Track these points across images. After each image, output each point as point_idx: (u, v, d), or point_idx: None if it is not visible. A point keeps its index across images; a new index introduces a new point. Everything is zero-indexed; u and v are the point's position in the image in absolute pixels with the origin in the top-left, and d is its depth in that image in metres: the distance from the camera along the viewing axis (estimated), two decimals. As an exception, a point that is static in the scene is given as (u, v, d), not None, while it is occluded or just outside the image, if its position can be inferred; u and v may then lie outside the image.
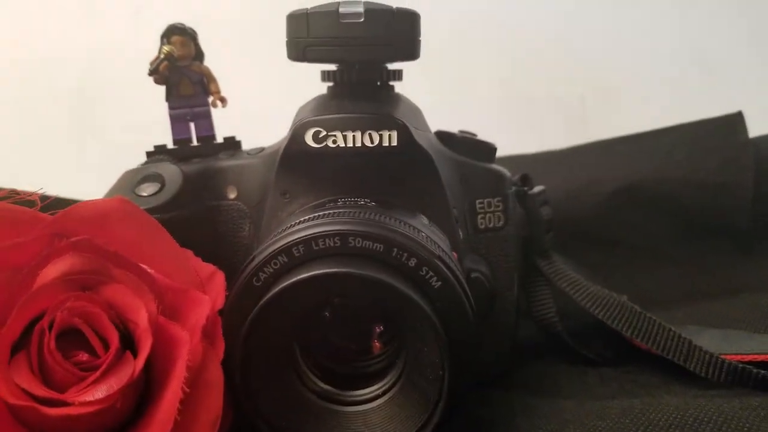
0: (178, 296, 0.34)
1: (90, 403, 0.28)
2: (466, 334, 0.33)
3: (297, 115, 0.42)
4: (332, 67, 0.41)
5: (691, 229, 0.60)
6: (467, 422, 0.38)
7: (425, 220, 0.38)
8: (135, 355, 0.30)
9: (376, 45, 0.37)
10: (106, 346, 0.30)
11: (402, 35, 0.37)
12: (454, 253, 0.38)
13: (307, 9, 0.37)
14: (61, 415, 0.27)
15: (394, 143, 0.37)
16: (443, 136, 0.45)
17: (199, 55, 0.46)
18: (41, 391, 0.28)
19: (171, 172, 0.42)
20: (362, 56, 0.37)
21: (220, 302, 0.34)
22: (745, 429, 0.31)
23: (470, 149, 0.45)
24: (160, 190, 0.41)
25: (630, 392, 0.41)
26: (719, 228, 0.59)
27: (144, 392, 0.32)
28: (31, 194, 0.35)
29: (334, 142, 0.37)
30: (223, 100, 0.46)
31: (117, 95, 0.81)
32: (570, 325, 0.48)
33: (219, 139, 0.46)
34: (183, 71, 0.45)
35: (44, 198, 0.35)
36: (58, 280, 0.31)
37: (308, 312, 0.34)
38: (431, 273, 0.32)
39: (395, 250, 0.32)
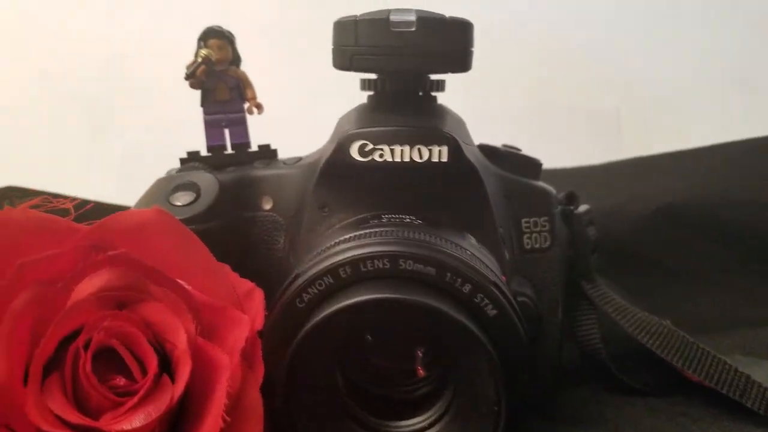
0: (215, 314, 0.32)
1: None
2: (520, 365, 0.31)
3: (339, 126, 0.40)
4: (373, 75, 0.39)
5: (734, 250, 0.58)
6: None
7: (473, 241, 0.36)
8: (172, 377, 0.29)
9: (428, 55, 0.35)
10: (143, 368, 0.28)
11: (455, 45, 0.35)
12: (503, 276, 0.36)
13: (356, 16, 0.35)
14: (95, 444, 0.26)
15: (444, 159, 0.35)
16: (487, 151, 0.43)
17: (236, 60, 0.44)
18: (75, 418, 0.26)
19: (206, 181, 0.40)
20: (413, 67, 0.35)
21: (259, 322, 0.33)
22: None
23: (515, 165, 0.43)
24: (196, 199, 0.39)
25: (681, 425, 0.39)
26: (763, 250, 0.57)
27: (178, 416, 0.30)
28: (65, 201, 0.33)
29: (381, 156, 0.35)
30: (259, 107, 0.44)
31: (138, 95, 0.80)
32: (614, 351, 0.46)
33: (254, 147, 0.45)
34: (219, 76, 0.43)
35: (79, 206, 0.33)
36: (93, 296, 0.29)
37: (352, 336, 0.32)
38: (486, 300, 0.31)
39: (449, 274, 0.31)
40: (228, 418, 0.27)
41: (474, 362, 0.30)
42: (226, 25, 0.44)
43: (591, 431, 0.39)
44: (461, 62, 0.36)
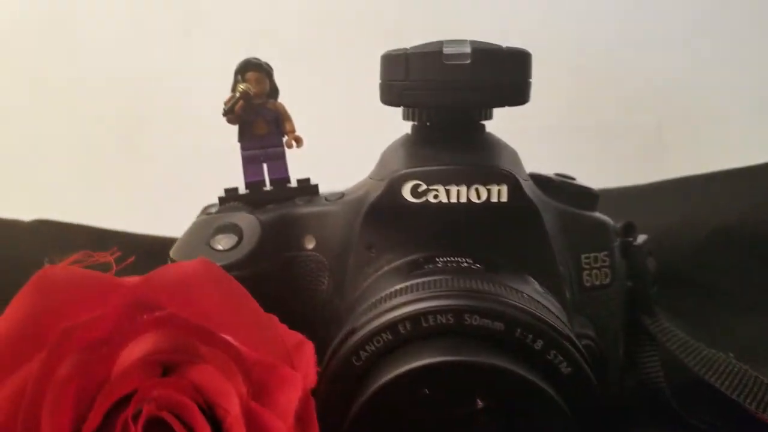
0: (266, 373, 0.30)
1: None
2: (592, 420, 0.29)
3: (384, 161, 0.38)
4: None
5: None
6: None
7: (537, 285, 0.34)
8: (225, 447, 0.27)
9: (484, 89, 0.33)
10: (195, 439, 0.27)
11: (513, 78, 0.33)
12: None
13: (406, 49, 0.33)
14: None
15: (504, 199, 0.33)
16: (540, 182, 0.41)
17: (274, 92, 0.42)
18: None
19: (248, 222, 0.38)
20: (468, 102, 0.33)
21: (311, 379, 0.31)
22: None
23: (571, 196, 0.40)
24: (238, 243, 0.37)
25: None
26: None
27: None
28: (105, 255, 0.31)
29: (436, 197, 0.33)
30: (298, 140, 0.42)
31: (169, 119, 0.79)
32: (676, 388, 0.44)
33: (293, 182, 0.43)
34: (257, 110, 0.41)
35: (120, 260, 0.32)
36: (141, 362, 0.27)
37: (413, 396, 0.30)
38: (560, 357, 0.28)
39: (519, 329, 0.28)
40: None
41: (546, 422, 0.28)
42: (259, 51, 0.42)
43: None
44: (519, 95, 0.33)
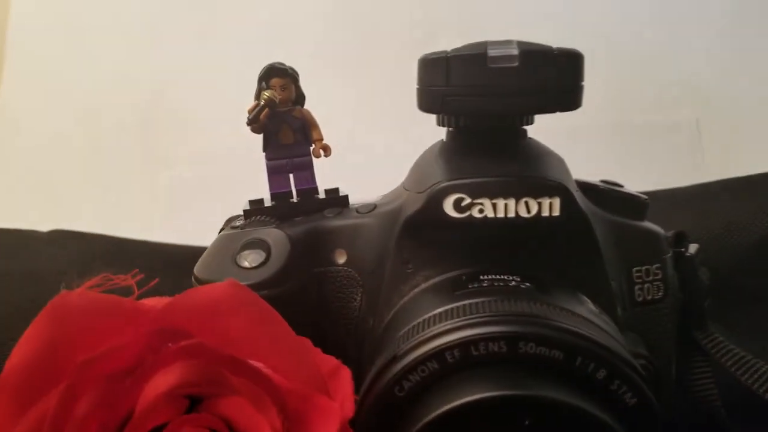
0: (301, 403, 0.28)
1: None
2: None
3: (420, 171, 0.36)
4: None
5: None
6: None
7: (591, 305, 0.31)
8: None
9: (533, 95, 0.30)
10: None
11: (564, 82, 0.30)
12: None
13: (446, 52, 0.30)
14: None
15: (556, 212, 0.31)
16: (586, 190, 0.38)
17: (300, 98, 0.40)
18: None
19: (276, 237, 0.36)
20: (515, 108, 0.30)
21: (348, 408, 0.28)
22: None
23: (620, 205, 0.38)
24: (266, 260, 0.35)
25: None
26: None
27: None
28: (126, 278, 0.29)
29: (481, 211, 0.31)
30: (326, 149, 0.40)
31: (185, 125, 0.77)
32: (730, 407, 0.41)
33: (321, 193, 0.41)
34: (283, 117, 0.39)
35: (142, 283, 0.29)
36: (167, 396, 0.25)
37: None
38: (625, 387, 0.26)
39: (579, 358, 0.26)
40: None
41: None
42: (280, 53, 0.40)
43: None
44: (572, 100, 0.31)
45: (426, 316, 0.29)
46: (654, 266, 0.37)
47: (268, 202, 0.40)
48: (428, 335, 0.27)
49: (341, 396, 0.29)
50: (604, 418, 0.25)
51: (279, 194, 0.40)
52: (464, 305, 0.28)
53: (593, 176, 0.39)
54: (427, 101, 0.31)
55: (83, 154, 0.74)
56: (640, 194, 0.39)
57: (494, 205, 0.31)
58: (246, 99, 0.39)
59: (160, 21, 0.76)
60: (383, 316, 0.35)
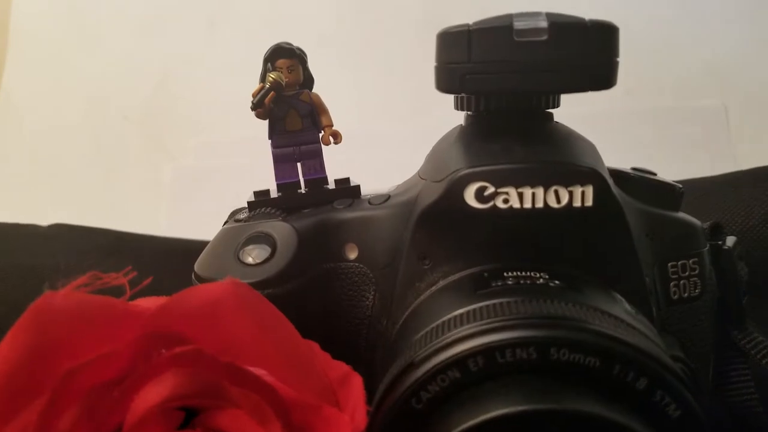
0: (307, 415, 0.25)
1: None
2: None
3: (437, 157, 0.33)
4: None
5: None
6: None
7: (627, 306, 0.28)
8: None
9: (564, 71, 0.27)
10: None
11: (599, 57, 0.27)
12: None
13: (468, 25, 0.27)
14: None
15: (589, 202, 0.28)
16: (617, 177, 0.35)
17: (309, 81, 0.37)
18: None
19: (282, 231, 0.33)
20: (544, 86, 0.28)
21: (360, 421, 0.26)
22: None
23: (653, 194, 0.35)
24: (271, 255, 0.32)
25: None
26: None
27: None
28: (118, 276, 0.26)
29: (506, 201, 0.28)
30: (336, 136, 0.37)
31: (189, 116, 0.74)
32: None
33: (330, 183, 0.38)
34: (290, 102, 0.36)
35: (135, 281, 0.27)
36: (159, 408, 0.22)
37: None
38: (668, 398, 0.23)
39: (617, 366, 0.23)
40: None
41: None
42: (289, 37, 0.37)
43: None
44: (606, 78, 0.28)
45: (445, 318, 0.26)
46: (691, 261, 0.34)
47: (274, 193, 0.37)
48: (448, 340, 0.24)
49: (352, 407, 0.26)
50: (648, 434, 0.22)
51: (286, 184, 0.37)
52: (488, 306, 0.25)
53: (615, 165, 0.36)
54: (446, 80, 0.29)
55: (85, 144, 0.72)
56: (675, 183, 0.36)
57: (520, 195, 0.28)
58: (253, 86, 0.36)
59: (164, 7, 0.74)
60: (397, 317, 0.32)
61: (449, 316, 0.26)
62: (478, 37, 0.27)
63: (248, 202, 0.36)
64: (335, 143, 0.37)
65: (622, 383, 0.23)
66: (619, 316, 0.26)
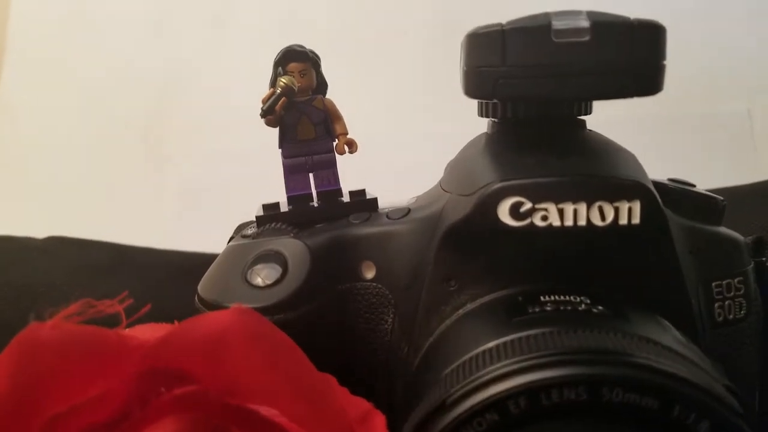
0: (325, 459, 0.23)
1: None
2: None
3: (464, 169, 0.31)
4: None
5: None
6: None
7: (676, 332, 0.26)
8: None
9: (608, 75, 0.24)
10: None
11: (646, 60, 0.25)
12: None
13: (501, 25, 0.25)
14: None
15: (636, 220, 0.25)
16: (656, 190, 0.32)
17: (322, 87, 0.35)
18: None
19: (294, 249, 0.31)
20: (587, 91, 0.25)
21: (384, 464, 0.23)
22: None
23: (693, 208, 0.32)
24: (282, 276, 0.30)
25: None
26: None
27: None
28: (112, 304, 0.24)
29: (545, 218, 0.25)
30: (351, 145, 0.35)
31: (194, 122, 0.72)
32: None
33: (345, 195, 0.35)
34: (302, 108, 0.34)
35: (131, 309, 0.24)
36: (157, 458, 0.20)
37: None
38: (732, 443, 0.20)
39: (678, 407, 0.20)
40: None
41: None
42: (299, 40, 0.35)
43: None
44: (653, 82, 0.25)
45: (479, 350, 0.23)
46: (736, 280, 0.32)
47: (284, 207, 0.35)
48: (485, 378, 0.21)
49: (374, 447, 0.24)
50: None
51: (297, 197, 0.35)
52: (527, 337, 0.23)
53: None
54: (477, 85, 0.26)
55: (84, 152, 0.70)
56: (715, 195, 0.33)
57: (561, 211, 0.25)
58: (261, 91, 0.33)
59: (168, 7, 0.71)
60: (420, 343, 0.29)
61: (483, 347, 0.23)
62: (512, 39, 0.25)
63: (257, 217, 0.34)
64: (350, 153, 0.35)
65: (681, 426, 0.20)
66: (672, 347, 0.23)
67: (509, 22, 0.25)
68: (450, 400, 0.22)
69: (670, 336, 0.25)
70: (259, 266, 0.30)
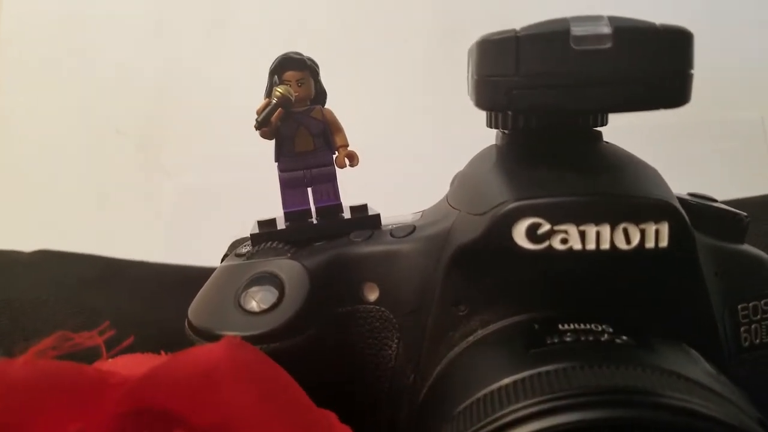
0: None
1: None
2: None
3: (473, 185, 0.29)
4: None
5: None
6: None
7: (706, 365, 0.24)
8: None
9: (632, 85, 0.23)
10: None
11: (673, 69, 0.23)
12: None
13: (515, 31, 0.23)
14: None
15: (664, 243, 0.23)
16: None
17: (321, 96, 0.33)
18: None
19: (290, 271, 0.29)
20: (609, 102, 0.23)
21: None
22: None
23: (716, 225, 0.30)
24: (279, 300, 0.28)
25: None
26: None
27: None
28: (92, 336, 0.22)
29: (564, 241, 0.23)
30: (352, 157, 0.33)
31: (189, 128, 0.70)
32: None
33: (345, 211, 0.33)
34: (300, 119, 0.32)
35: (113, 341, 0.22)
36: None
37: None
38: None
39: (717, 454, 0.18)
40: None
41: None
42: (294, 48, 0.33)
43: None
44: (680, 93, 0.23)
45: (493, 387, 0.21)
46: (762, 302, 0.30)
47: (281, 223, 0.33)
48: (502, 421, 0.19)
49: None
50: None
51: (295, 213, 0.33)
52: (547, 373, 0.21)
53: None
54: (489, 95, 0.24)
55: (74, 160, 0.68)
56: (739, 211, 0.32)
57: (582, 234, 0.23)
58: (257, 99, 0.32)
59: (163, 11, 0.69)
60: (427, 372, 0.27)
61: (498, 384, 0.21)
62: (528, 46, 0.23)
63: (251, 235, 0.32)
64: (351, 166, 0.33)
65: (722, 476, 0.18)
66: (702, 381, 0.21)
67: (524, 28, 0.23)
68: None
69: (699, 368, 0.23)
70: (253, 289, 0.28)
